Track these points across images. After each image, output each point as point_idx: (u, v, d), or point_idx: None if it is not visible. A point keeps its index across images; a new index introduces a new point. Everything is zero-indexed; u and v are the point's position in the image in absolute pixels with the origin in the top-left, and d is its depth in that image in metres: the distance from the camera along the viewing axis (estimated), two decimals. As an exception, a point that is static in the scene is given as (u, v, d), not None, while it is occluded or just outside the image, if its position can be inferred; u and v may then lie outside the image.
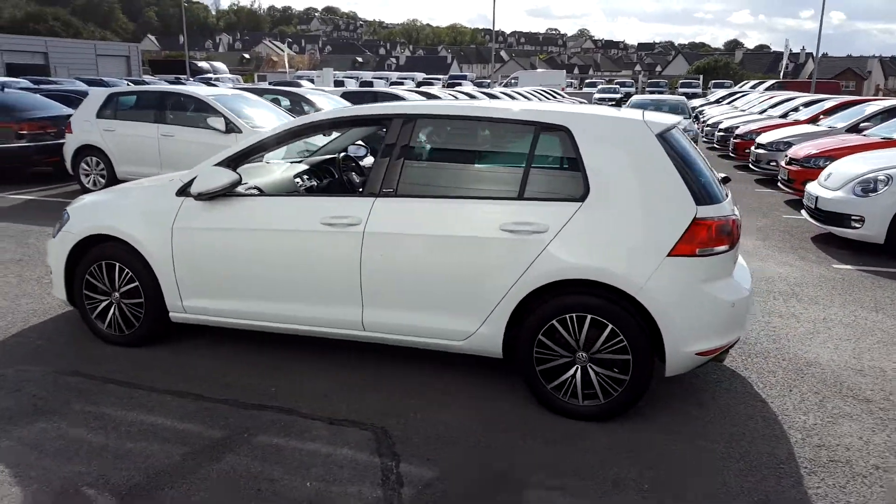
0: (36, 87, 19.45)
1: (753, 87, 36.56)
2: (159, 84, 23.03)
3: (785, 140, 12.15)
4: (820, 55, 40.54)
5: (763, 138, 12.99)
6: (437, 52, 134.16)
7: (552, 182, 3.64)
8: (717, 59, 72.25)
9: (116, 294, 4.32)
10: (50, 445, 3.20)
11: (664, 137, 3.56)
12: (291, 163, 5.19)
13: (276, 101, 12.39)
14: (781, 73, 54.09)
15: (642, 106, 16.88)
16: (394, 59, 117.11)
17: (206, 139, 8.85)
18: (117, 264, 4.26)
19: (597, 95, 41.78)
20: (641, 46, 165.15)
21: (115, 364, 4.14)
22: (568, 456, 3.25)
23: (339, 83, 43.76)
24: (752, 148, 13.19)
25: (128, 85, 23.85)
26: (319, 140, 5.56)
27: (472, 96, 22.72)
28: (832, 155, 9.51)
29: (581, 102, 37.74)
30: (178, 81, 31.13)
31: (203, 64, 55.68)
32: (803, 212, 8.24)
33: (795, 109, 16.71)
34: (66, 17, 57.19)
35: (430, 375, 4.05)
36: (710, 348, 3.44)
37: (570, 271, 3.43)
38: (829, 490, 3.04)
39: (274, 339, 4.45)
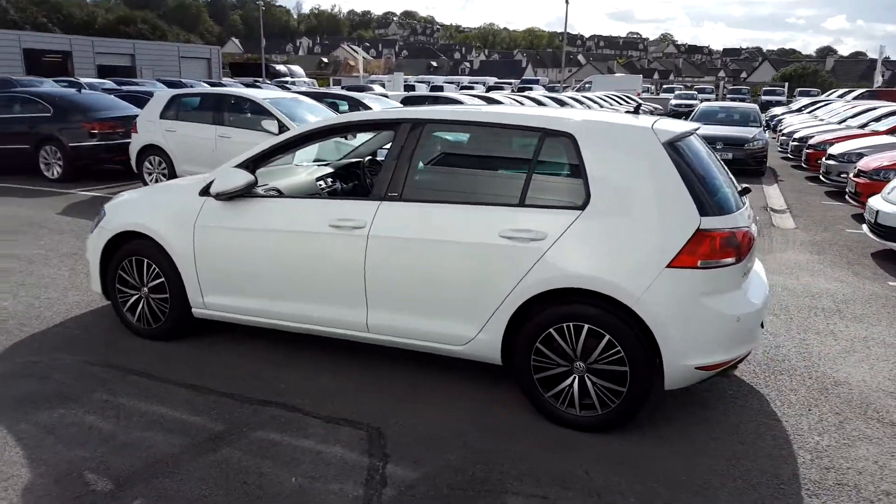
0: (118, 87, 20.59)
1: (841, 95, 34.82)
2: (236, 86, 23.95)
3: (857, 151, 11.53)
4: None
5: (835, 149, 12.36)
6: (512, 56, 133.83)
7: (554, 189, 3.60)
8: (805, 66, 69.02)
9: (145, 289, 4.55)
10: (64, 431, 3.41)
11: (674, 146, 3.47)
12: (319, 166, 5.32)
13: (335, 106, 12.70)
14: (875, 82, 51.17)
15: (710, 114, 16.38)
16: (468, 64, 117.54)
17: (260, 140, 9.15)
18: (146, 260, 4.48)
19: (673, 101, 40.72)
20: (727, 52, 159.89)
21: (140, 356, 4.35)
22: (557, 465, 3.22)
23: (409, 87, 44.39)
24: (823, 159, 12.59)
25: (191, 87, 24.90)
26: (356, 142, 5.68)
27: (539, 102, 22.60)
28: (903, 167, 8.98)
29: (656, 109, 36.98)
30: (254, 84, 32.20)
31: (281, 67, 57.41)
32: (864, 226, 7.82)
33: (877, 120, 15.82)
34: (154, 20, 60.17)
35: (433, 379, 4.08)
36: (711, 363, 3.33)
37: (566, 280, 3.40)
38: (827, 517, 2.90)
39: (291, 337, 4.57)
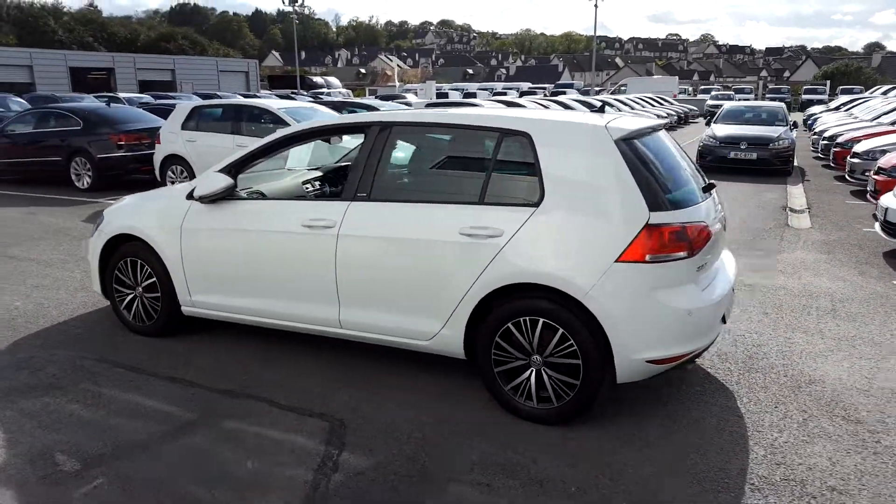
0: (155, 101, 21.31)
1: (885, 93, 33.81)
2: (270, 98, 24.56)
3: (881, 148, 11.28)
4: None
5: (860, 147, 12.10)
6: (549, 61, 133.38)
7: (511, 187, 3.70)
8: (849, 63, 67.14)
9: (139, 288, 4.78)
10: (46, 417, 3.63)
11: (627, 143, 3.53)
12: (309, 170, 5.50)
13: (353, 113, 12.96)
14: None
15: (735, 113, 16.14)
16: (504, 70, 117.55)
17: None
18: (139, 261, 4.72)
19: (709, 102, 40.11)
20: (769, 51, 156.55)
21: (132, 351, 4.58)
22: (507, 456, 3.30)
23: (442, 95, 44.65)
24: (848, 157, 12.32)
25: (217, 98, 25.52)
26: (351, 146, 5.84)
27: (566, 106, 22.57)
28: (922, 164, 8.76)
29: (692, 110, 36.47)
30: (288, 96, 32.94)
31: (317, 79, 58.36)
32: (876, 225, 7.66)
33: (912, 115, 15.40)
34: (194, 35, 61.94)
35: (402, 374, 4.20)
36: (663, 357, 3.38)
37: (520, 275, 3.48)
38: (767, 508, 2.92)
39: (278, 334, 4.73)
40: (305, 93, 43.30)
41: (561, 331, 3.44)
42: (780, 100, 47.16)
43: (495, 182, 3.70)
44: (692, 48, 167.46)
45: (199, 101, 10.90)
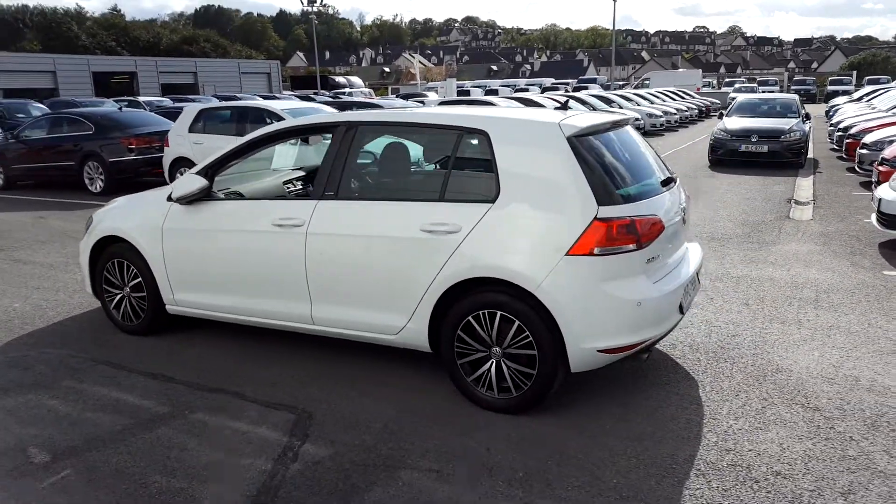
0: (173, 105, 21.71)
1: (910, 81, 33.08)
2: (290, 99, 24.89)
3: (890, 139, 11.10)
4: None
5: (869, 137, 11.93)
6: (574, 56, 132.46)
7: (470, 184, 3.78)
8: (876, 53, 65.66)
9: (127, 289, 4.95)
10: (26, 413, 3.81)
11: (580, 140, 3.60)
12: (293, 170, 5.63)
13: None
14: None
15: (748, 106, 15.98)
16: (528, 66, 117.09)
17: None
18: (125, 262, 4.89)
19: (732, 95, 39.60)
20: (798, 42, 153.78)
21: (118, 349, 4.75)
22: (463, 444, 3.40)
23: (464, 93, 44.71)
24: (858, 148, 12.15)
25: (221, 100, 25.86)
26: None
27: (582, 101, 22.48)
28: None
29: (714, 103, 36.03)
30: (309, 97, 33.30)
31: (340, 79, 58.79)
32: (872, 216, 7.58)
33: (929, 104, 15.10)
34: (216, 38, 62.73)
35: (372, 368, 4.31)
36: (613, 346, 3.44)
37: (477, 270, 3.57)
38: (708, 492, 2.98)
39: (261, 332, 4.86)
40: (327, 93, 43.71)
41: (517, 323, 3.53)
42: (805, 91, 46.46)
43: (455, 179, 3.79)
44: (719, 41, 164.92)
45: (205, 104, 11.11)
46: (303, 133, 4.89)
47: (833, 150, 16.73)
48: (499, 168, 3.62)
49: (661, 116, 24.56)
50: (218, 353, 4.65)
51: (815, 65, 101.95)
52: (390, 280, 3.85)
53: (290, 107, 10.41)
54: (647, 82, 48.75)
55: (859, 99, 26.25)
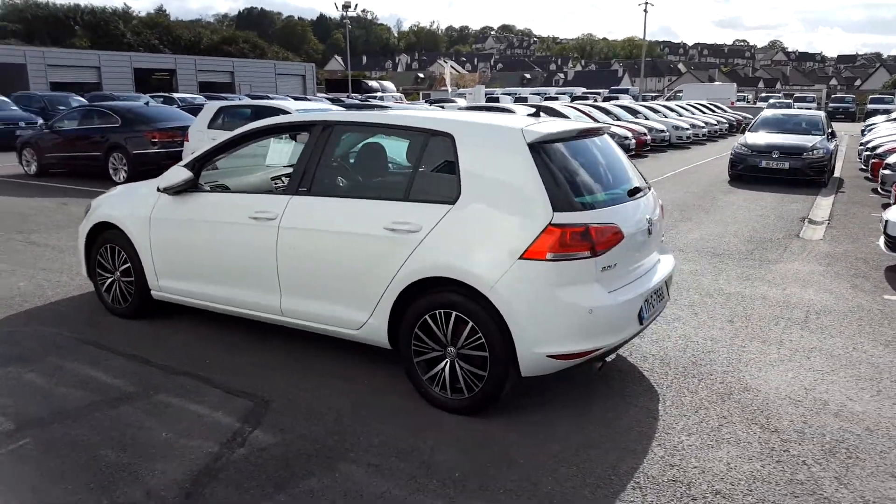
0: (205, 102, 22.15)
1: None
2: (320, 101, 25.27)
3: (913, 159, 10.86)
4: None
5: (893, 157, 11.67)
6: (609, 66, 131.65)
7: (434, 185, 3.83)
8: (923, 71, 63.96)
9: (117, 273, 5.11)
10: (4, 384, 3.98)
11: (542, 146, 3.63)
12: (285, 166, 5.75)
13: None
14: None
15: (772, 122, 15.72)
16: (562, 75, 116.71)
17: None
18: (116, 247, 5.05)
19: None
20: (841, 59, 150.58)
21: (106, 330, 4.91)
22: (408, 442, 3.44)
23: (493, 99, 44.79)
24: (881, 168, 11.90)
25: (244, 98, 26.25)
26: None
27: (607, 112, 22.36)
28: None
29: (745, 118, 35.43)
30: (338, 100, 33.72)
31: (373, 83, 59.38)
32: (880, 239, 7.43)
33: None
34: (255, 39, 63.85)
35: (344, 362, 4.38)
36: (564, 352, 3.46)
37: (435, 269, 3.62)
38: (641, 504, 2.98)
39: (249, 322, 4.92)
40: (359, 96, 44.21)
41: (471, 324, 3.57)
42: (844, 109, 45.46)
43: (420, 180, 3.86)
44: (759, 55, 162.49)
45: (225, 102, 11.36)
46: (283, 131, 5.01)
47: (862, 169, 16.39)
48: (461, 170, 3.67)
49: (687, 129, 24.32)
50: (198, 339, 4.77)
51: (858, 82, 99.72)
52: (354, 276, 3.92)
53: (304, 107, 10.59)
54: (680, 94, 48.24)
55: (897, 120, 25.66)
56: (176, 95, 26.49)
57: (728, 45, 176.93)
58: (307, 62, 66.00)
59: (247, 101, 12.92)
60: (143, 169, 11.99)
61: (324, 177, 4.19)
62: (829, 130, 14.93)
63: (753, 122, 16.21)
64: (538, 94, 50.06)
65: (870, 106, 42.06)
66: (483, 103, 30.98)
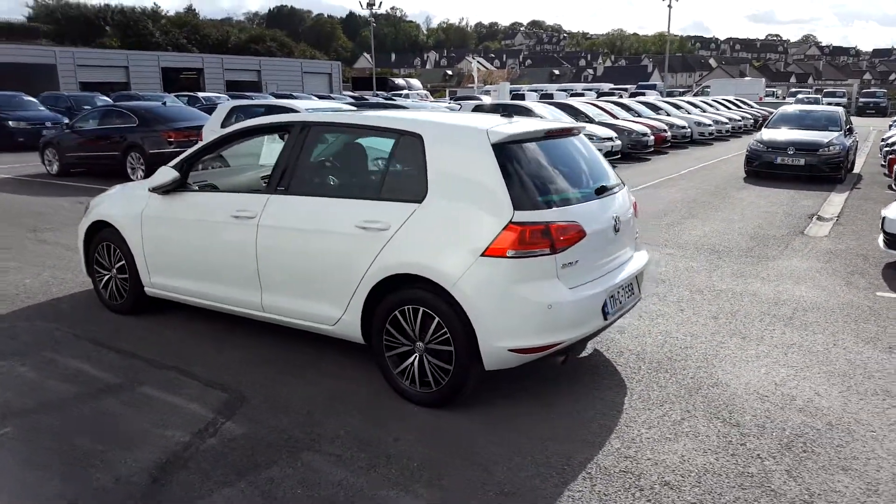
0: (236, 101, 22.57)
1: None
2: (343, 100, 25.59)
3: (928, 155, 10.66)
4: None
5: (908, 152, 11.48)
6: (639, 61, 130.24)
7: (404, 184, 3.95)
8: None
9: (113, 270, 5.32)
10: (-3, 377, 4.19)
11: (506, 146, 3.71)
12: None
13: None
14: None
15: (789, 118, 15.52)
16: (591, 71, 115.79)
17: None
18: (112, 245, 5.25)
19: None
20: (876, 53, 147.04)
21: (101, 326, 5.11)
22: (374, 433, 3.56)
23: (519, 96, 44.71)
24: (896, 164, 11.73)
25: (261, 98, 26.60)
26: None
27: (628, 108, 22.23)
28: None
29: (769, 114, 34.88)
30: (362, 97, 34.01)
31: (399, 81, 59.70)
32: (880, 236, 7.34)
33: None
34: (282, 37, 64.57)
35: (322, 357, 4.51)
36: (523, 346, 3.55)
37: (401, 266, 3.74)
38: (588, 495, 3.06)
39: (236, 318, 5.07)
40: (384, 94, 44.51)
41: (437, 319, 3.67)
42: (874, 104, 44.44)
43: (391, 179, 3.98)
44: (792, 49, 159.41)
45: (237, 102, 11.61)
46: (265, 132, 5.15)
47: (883, 165, 16.09)
48: (428, 169, 3.78)
49: (710, 125, 24.06)
50: (187, 335, 4.94)
51: (893, 76, 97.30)
52: (328, 273, 4.05)
53: (314, 106, 10.77)
54: (708, 90, 47.56)
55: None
56: (200, 94, 26.99)
57: (760, 39, 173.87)
58: (336, 60, 66.59)
59: (259, 100, 13.12)
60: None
61: (300, 176, 4.33)
62: (847, 126, 14.69)
63: (770, 118, 16.01)
64: (564, 91, 49.73)
65: (902, 100, 41.09)
66: (507, 101, 31.01)
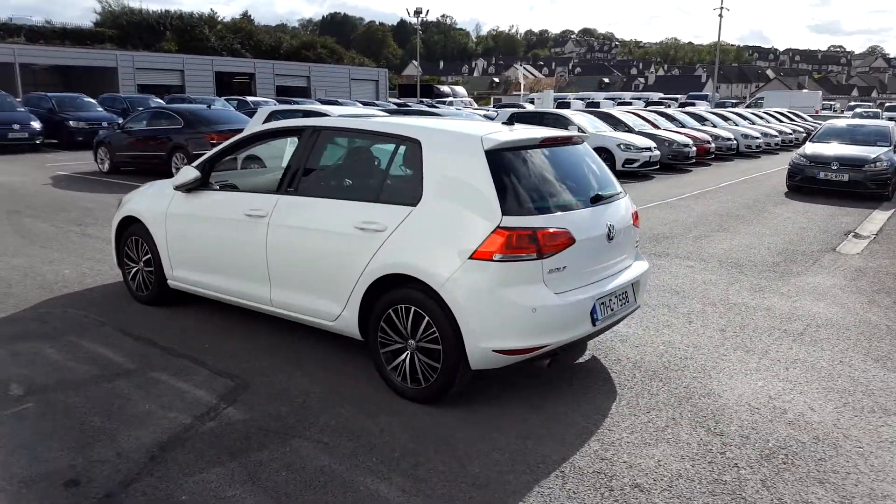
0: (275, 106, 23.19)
1: None
2: (386, 106, 26.01)
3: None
4: None
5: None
6: (693, 70, 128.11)
7: (401, 187, 4.12)
8: None
9: (140, 263, 5.63)
10: (25, 356, 4.50)
11: (499, 153, 3.84)
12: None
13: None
14: None
15: (835, 132, 15.18)
16: (642, 80, 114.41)
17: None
18: (140, 239, 5.57)
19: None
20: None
21: (127, 315, 5.42)
22: (362, 424, 3.73)
23: (565, 105, 44.61)
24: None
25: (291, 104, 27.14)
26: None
27: (671, 118, 21.99)
28: None
29: (807, 130, 33.95)
30: (405, 104, 34.45)
31: (445, 88, 60.14)
32: (910, 252, 7.17)
33: None
34: (332, 44, 65.75)
35: (325, 351, 4.71)
36: (508, 348, 3.66)
37: (395, 267, 3.90)
38: (557, 492, 3.16)
39: (248, 311, 5.33)
40: (428, 101, 44.96)
41: (427, 318, 3.82)
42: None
43: (390, 182, 4.15)
44: (857, 61, 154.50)
45: (276, 107, 11.99)
46: (280, 135, 5.38)
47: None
48: (424, 174, 3.94)
49: (758, 138, 23.62)
50: (203, 325, 5.21)
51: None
52: (330, 271, 4.24)
53: (345, 112, 11.04)
54: (761, 101, 46.55)
55: None
56: (249, 99, 27.82)
57: (822, 50, 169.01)
58: (384, 67, 67.50)
59: (299, 106, 13.52)
60: (203, 169, 12.81)
61: (308, 178, 4.54)
62: (898, 143, 14.28)
63: (816, 131, 15.67)
64: (612, 99, 49.37)
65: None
66: (549, 109, 31.01)
